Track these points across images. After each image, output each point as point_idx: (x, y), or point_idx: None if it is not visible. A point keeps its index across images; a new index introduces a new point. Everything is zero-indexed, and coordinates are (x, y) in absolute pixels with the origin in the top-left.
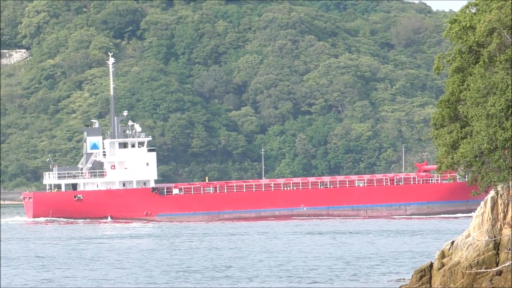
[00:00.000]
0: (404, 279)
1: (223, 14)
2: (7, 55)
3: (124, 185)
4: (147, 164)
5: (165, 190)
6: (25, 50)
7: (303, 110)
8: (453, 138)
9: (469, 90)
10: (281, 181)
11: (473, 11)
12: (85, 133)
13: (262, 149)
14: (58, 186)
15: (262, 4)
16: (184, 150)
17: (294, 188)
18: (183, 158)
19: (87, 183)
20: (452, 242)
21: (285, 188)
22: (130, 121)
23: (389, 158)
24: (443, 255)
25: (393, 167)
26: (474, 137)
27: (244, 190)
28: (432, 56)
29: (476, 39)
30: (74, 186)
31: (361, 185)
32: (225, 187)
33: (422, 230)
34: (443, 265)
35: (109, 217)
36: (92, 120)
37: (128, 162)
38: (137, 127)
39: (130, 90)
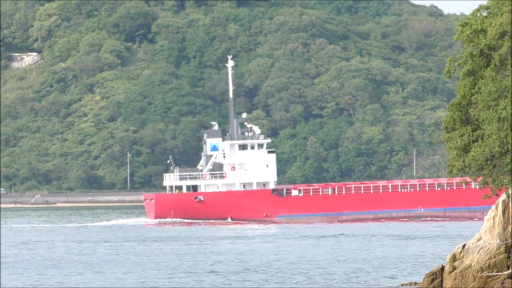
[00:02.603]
0: (416, 282)
1: (234, 17)
2: (19, 58)
3: (244, 186)
4: (267, 165)
5: (284, 191)
6: (36, 54)
7: (315, 113)
8: (465, 141)
9: (480, 93)
10: (398, 182)
11: (484, 14)
12: (205, 135)
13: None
14: (179, 188)
15: (273, 7)
16: (195, 153)
17: (411, 189)
18: (194, 161)
19: (208, 185)
20: (464, 245)
21: (403, 190)
22: (247, 123)
23: (400, 162)
24: (454, 258)
25: (404, 170)
26: (486, 141)
27: (362, 191)
28: (443, 59)
29: (487, 42)
30: (195, 188)
31: (478, 186)
32: (343, 189)
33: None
34: (454, 268)
35: (229, 218)
36: (212, 122)
37: (248, 164)
38: (256, 129)
39: (141, 94)
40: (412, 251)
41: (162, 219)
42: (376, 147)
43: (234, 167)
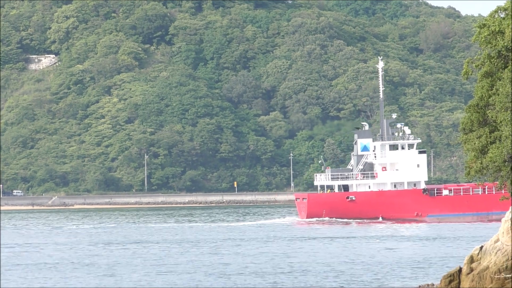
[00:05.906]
0: (433, 284)
1: (252, 19)
2: (36, 60)
3: (395, 186)
4: (418, 165)
5: (435, 191)
6: (54, 56)
7: (332, 115)
8: (482, 142)
9: (498, 94)
10: None
11: (502, 15)
12: (356, 135)
13: (291, 154)
14: (330, 187)
15: (291, 9)
16: (212, 155)
17: None
18: (211, 163)
19: (359, 184)
20: (481, 247)
21: None
22: (398, 123)
23: None
24: (472, 260)
25: None
26: (503, 142)
27: None
28: (461, 60)
29: (505, 44)
30: (346, 187)
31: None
32: (493, 188)
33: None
34: (471, 270)
35: (380, 218)
36: (362, 123)
37: (399, 164)
38: (406, 130)
39: (159, 95)
40: None
41: (315, 218)
42: None
43: (385, 167)
